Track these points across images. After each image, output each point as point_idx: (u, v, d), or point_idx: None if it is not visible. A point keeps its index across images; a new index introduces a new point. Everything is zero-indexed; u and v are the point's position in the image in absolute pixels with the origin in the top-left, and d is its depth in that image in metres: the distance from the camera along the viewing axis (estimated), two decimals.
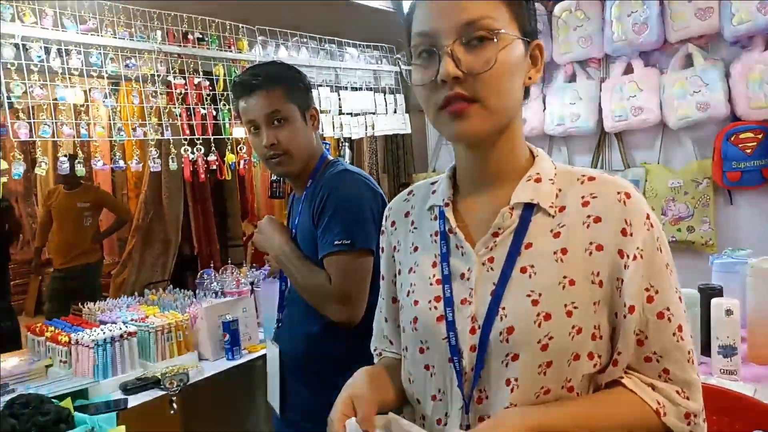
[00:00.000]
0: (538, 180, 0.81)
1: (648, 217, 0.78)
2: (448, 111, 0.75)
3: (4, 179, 1.92)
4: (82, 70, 2.16)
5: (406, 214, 0.94)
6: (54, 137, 2.06)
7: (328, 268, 1.45)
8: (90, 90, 2.19)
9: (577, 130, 2.97)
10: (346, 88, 3.34)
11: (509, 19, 0.76)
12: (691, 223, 2.68)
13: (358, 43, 3.45)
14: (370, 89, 3.49)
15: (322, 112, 3.17)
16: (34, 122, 2.03)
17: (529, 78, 0.81)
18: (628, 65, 2.86)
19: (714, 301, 1.66)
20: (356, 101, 3.36)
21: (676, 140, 2.82)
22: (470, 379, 0.78)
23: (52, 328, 2.18)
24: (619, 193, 0.78)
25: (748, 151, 2.50)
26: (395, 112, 3.64)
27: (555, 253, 0.77)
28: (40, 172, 2.11)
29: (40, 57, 2.04)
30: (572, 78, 3.04)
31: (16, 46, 2.01)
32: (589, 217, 0.78)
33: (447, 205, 0.86)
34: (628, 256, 0.76)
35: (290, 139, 1.50)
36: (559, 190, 0.81)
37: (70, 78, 2.12)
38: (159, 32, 2.38)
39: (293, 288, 1.58)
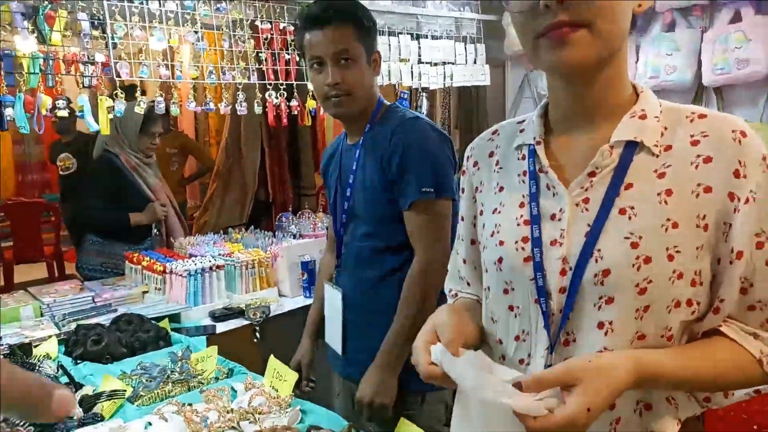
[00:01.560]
0: (642, 117, 0.77)
1: (764, 159, 0.73)
2: (548, 37, 0.71)
3: (110, 116, 2.06)
4: (177, 13, 2.24)
5: (491, 154, 0.92)
6: (151, 78, 2.17)
7: (416, 214, 1.46)
8: (185, 34, 2.28)
9: (672, 83, 2.79)
10: (427, 37, 3.28)
11: None
12: None
13: None
14: (451, 38, 3.41)
15: (401, 60, 3.15)
16: (134, 62, 2.14)
17: (639, 5, 0.76)
18: (736, 13, 2.63)
19: None
20: (436, 50, 3.29)
21: None
22: (557, 321, 0.77)
23: (148, 258, 2.35)
24: (734, 131, 0.73)
25: None
26: (475, 62, 3.55)
27: (659, 194, 0.73)
28: (138, 111, 2.24)
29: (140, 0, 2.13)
30: (671, 27, 2.84)
31: None
32: (698, 156, 0.73)
33: (539, 143, 0.83)
34: (739, 199, 0.71)
35: (355, 80, 1.45)
36: (665, 128, 0.76)
37: (166, 21, 2.21)
38: None
39: (354, 234, 1.59)
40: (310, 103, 2.73)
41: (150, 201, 2.68)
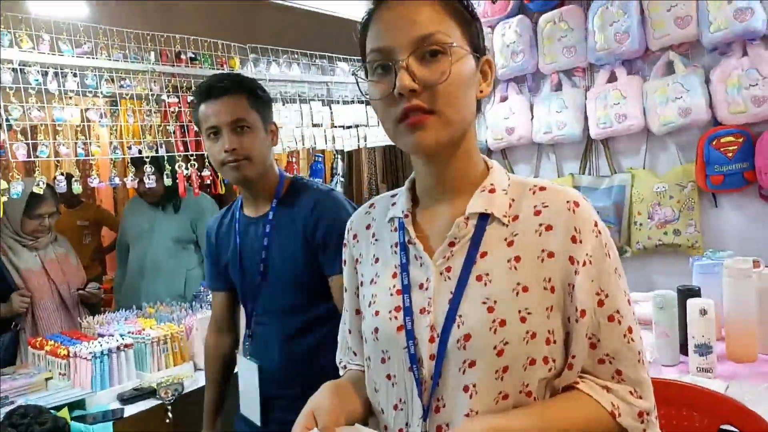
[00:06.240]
0: (492, 191, 0.84)
1: (596, 225, 0.81)
2: (407, 123, 0.77)
3: (4, 198, 2.00)
4: (78, 91, 2.24)
5: (368, 227, 0.97)
6: (52, 157, 2.13)
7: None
8: (86, 110, 2.27)
9: (564, 137, 3.03)
10: (338, 102, 3.41)
11: (460, 35, 0.80)
12: (677, 227, 2.72)
13: (348, 57, 3.54)
14: (362, 102, 3.56)
15: (315, 125, 3.25)
16: (31, 143, 2.10)
17: (481, 91, 0.84)
18: (611, 73, 2.92)
19: (690, 301, 1.71)
20: (348, 114, 3.43)
21: (661, 146, 2.88)
22: (429, 387, 0.80)
23: (52, 342, 2.23)
24: (568, 202, 0.81)
25: (730, 155, 2.54)
26: None
27: (509, 261, 0.80)
28: (37, 191, 2.18)
29: (37, 80, 2.12)
30: (558, 87, 3.10)
31: (14, 70, 2.09)
32: (541, 225, 0.81)
33: (407, 216, 0.88)
34: (578, 262, 0.79)
35: (251, 146, 1.49)
36: (513, 200, 0.84)
37: (66, 99, 2.20)
38: (152, 53, 2.47)
39: (272, 309, 1.59)
40: None
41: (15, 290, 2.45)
